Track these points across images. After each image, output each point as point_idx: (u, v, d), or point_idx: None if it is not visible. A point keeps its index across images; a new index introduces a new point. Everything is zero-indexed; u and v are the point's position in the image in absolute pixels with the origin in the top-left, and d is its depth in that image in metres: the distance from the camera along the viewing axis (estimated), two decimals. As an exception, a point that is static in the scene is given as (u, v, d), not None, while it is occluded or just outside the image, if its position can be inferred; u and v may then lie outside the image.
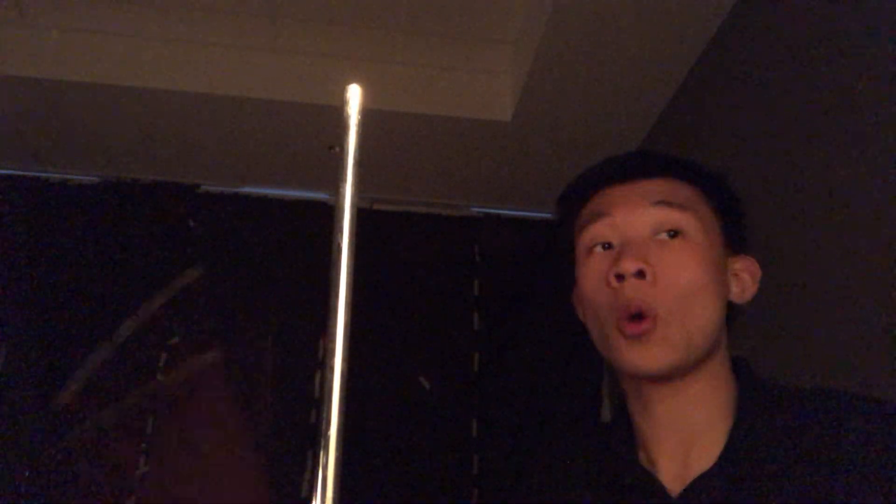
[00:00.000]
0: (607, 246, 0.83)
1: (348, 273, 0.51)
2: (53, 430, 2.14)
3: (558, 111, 2.07)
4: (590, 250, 0.84)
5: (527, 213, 2.56)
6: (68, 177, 2.41)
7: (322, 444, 0.48)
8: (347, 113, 0.54)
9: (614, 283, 0.79)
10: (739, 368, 0.83)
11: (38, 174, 2.40)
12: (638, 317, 0.77)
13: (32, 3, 2.00)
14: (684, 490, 0.76)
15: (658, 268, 0.78)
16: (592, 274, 0.83)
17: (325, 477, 0.48)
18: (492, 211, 2.57)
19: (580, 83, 1.97)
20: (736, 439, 0.77)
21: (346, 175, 0.53)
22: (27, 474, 2.09)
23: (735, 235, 0.85)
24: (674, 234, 0.80)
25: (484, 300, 2.45)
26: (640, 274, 0.78)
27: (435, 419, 2.30)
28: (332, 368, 0.49)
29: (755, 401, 0.79)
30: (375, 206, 2.46)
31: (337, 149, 0.54)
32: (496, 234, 2.54)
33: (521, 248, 2.50)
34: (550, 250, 2.48)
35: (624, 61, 1.90)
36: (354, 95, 0.55)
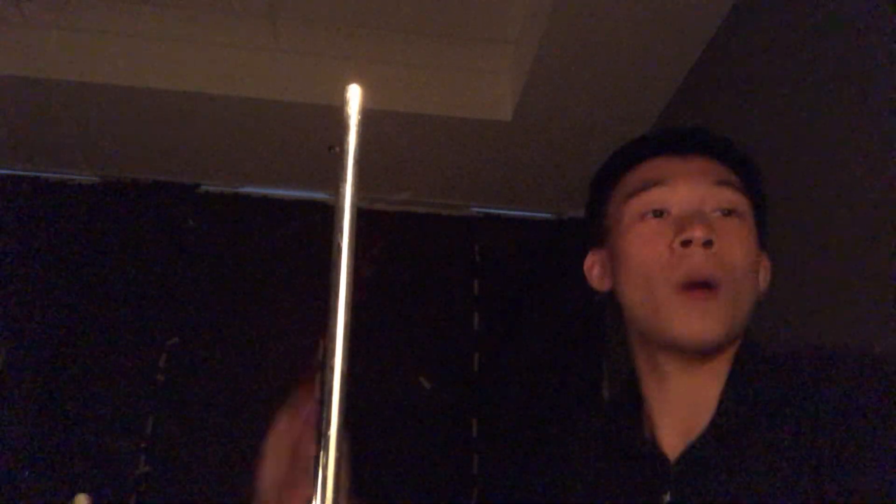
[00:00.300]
0: (660, 213, 0.83)
1: (348, 273, 0.51)
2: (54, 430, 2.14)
3: (558, 111, 2.07)
4: (642, 216, 0.84)
5: (527, 213, 2.56)
6: (68, 177, 2.41)
7: (322, 444, 0.48)
8: (347, 113, 0.54)
9: (679, 249, 0.79)
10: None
11: (38, 174, 2.39)
12: (703, 285, 0.78)
13: (32, 3, 2.00)
14: (679, 456, 0.78)
15: (722, 241, 0.79)
16: (647, 238, 0.83)
17: (325, 477, 0.48)
18: (492, 211, 2.57)
19: (580, 83, 1.97)
20: (726, 402, 0.78)
21: (346, 175, 0.53)
22: (27, 474, 2.09)
23: (762, 232, 0.87)
24: (728, 212, 0.82)
25: (484, 300, 2.45)
26: (709, 244, 0.79)
27: (435, 419, 2.30)
28: (332, 368, 0.49)
29: (746, 364, 0.81)
30: (375, 206, 2.46)
31: (337, 149, 0.54)
32: (496, 234, 2.54)
33: (521, 248, 2.50)
34: (550, 250, 2.48)
35: (624, 61, 1.90)
36: (354, 95, 0.55)
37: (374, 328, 2.31)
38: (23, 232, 2.31)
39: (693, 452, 0.78)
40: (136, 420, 2.18)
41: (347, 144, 0.54)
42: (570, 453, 0.91)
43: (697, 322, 0.78)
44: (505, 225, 2.56)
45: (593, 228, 0.91)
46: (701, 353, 0.80)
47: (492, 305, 2.44)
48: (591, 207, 0.92)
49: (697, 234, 0.78)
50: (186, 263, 2.35)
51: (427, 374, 2.34)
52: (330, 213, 0.53)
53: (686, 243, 0.79)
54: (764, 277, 0.86)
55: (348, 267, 0.51)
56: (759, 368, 0.80)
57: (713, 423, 0.78)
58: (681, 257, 0.79)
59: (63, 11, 2.02)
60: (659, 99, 2.04)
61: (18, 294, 2.24)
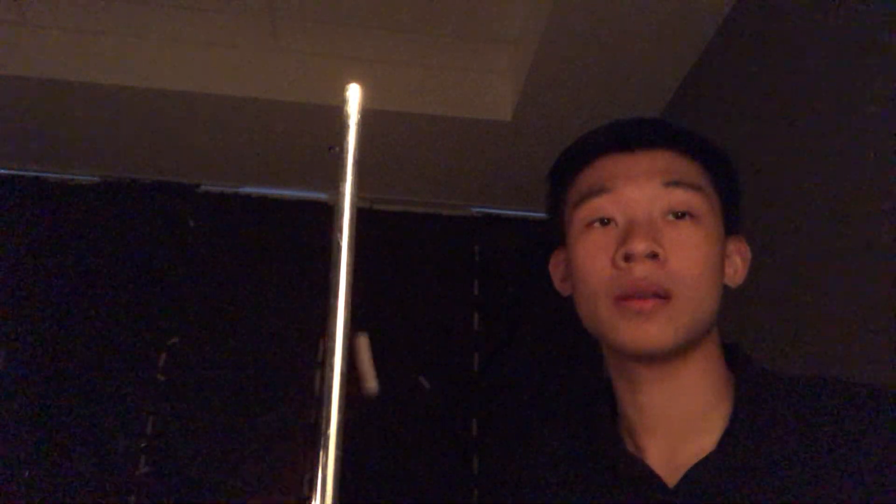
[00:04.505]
0: (606, 221, 0.78)
1: (348, 273, 0.51)
2: (55, 430, 2.14)
3: (558, 111, 2.07)
4: (588, 225, 0.79)
5: (527, 213, 2.56)
6: (68, 177, 2.41)
7: (322, 443, 0.48)
8: (347, 113, 0.54)
9: (622, 263, 0.74)
10: (735, 355, 0.81)
11: (38, 174, 2.40)
12: (649, 296, 0.73)
13: (32, 3, 2.00)
14: (681, 480, 0.73)
15: (668, 250, 0.74)
16: (591, 250, 0.78)
17: (324, 477, 0.48)
18: (492, 211, 2.57)
19: (580, 83, 1.97)
20: (735, 427, 0.74)
21: (346, 175, 0.53)
22: (27, 474, 2.09)
23: (732, 216, 0.82)
24: (682, 214, 0.76)
25: (484, 300, 2.45)
26: (652, 256, 0.74)
27: (435, 419, 2.30)
28: (332, 368, 0.49)
29: (754, 388, 0.76)
30: (375, 206, 2.46)
31: (337, 149, 0.54)
32: (496, 234, 2.54)
33: (521, 248, 2.50)
34: (550, 250, 2.47)
35: (624, 61, 1.90)
36: (354, 95, 0.55)
37: (374, 328, 2.31)
38: (23, 232, 2.31)
39: (697, 478, 0.73)
40: (136, 420, 2.18)
41: (347, 144, 0.54)
42: (552, 472, 0.86)
43: (640, 330, 0.73)
44: (505, 225, 2.56)
45: (554, 227, 0.86)
46: (657, 362, 0.76)
47: (492, 305, 2.44)
48: (549, 206, 0.87)
49: (639, 247, 0.73)
50: (186, 263, 2.35)
51: (427, 374, 2.34)
52: (330, 213, 0.53)
53: (628, 257, 0.74)
54: (738, 266, 0.82)
55: (348, 267, 0.51)
56: (766, 392, 0.76)
57: (720, 448, 0.73)
58: (623, 272, 0.74)
59: (63, 11, 2.02)
60: (659, 99, 2.04)
61: (19, 294, 2.24)
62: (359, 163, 0.54)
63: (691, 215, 0.77)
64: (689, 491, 0.72)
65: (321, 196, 2.45)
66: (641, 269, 0.74)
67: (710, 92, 1.87)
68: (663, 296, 0.73)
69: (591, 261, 0.77)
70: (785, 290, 1.44)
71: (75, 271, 2.29)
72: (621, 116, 0.87)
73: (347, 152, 0.54)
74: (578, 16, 1.75)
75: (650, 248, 0.74)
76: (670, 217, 0.76)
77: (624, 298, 0.74)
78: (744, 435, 0.73)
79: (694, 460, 0.74)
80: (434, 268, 2.47)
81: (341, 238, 0.51)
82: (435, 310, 2.42)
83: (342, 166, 0.53)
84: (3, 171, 2.38)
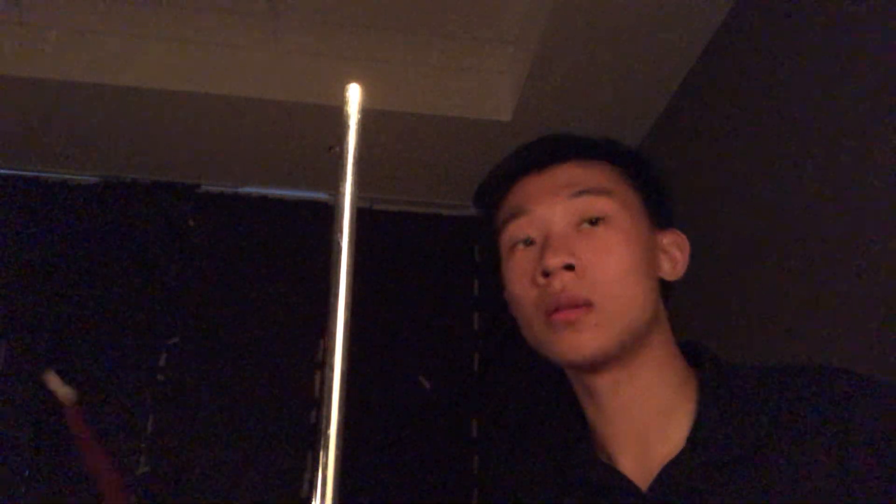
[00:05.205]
0: (529, 242, 0.80)
1: (348, 273, 0.51)
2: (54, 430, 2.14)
3: (558, 111, 2.07)
4: (512, 248, 0.82)
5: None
6: (68, 177, 2.41)
7: (322, 443, 0.48)
8: (347, 113, 0.54)
9: (541, 280, 0.77)
10: (697, 352, 0.81)
11: (38, 174, 2.40)
12: (569, 308, 0.75)
13: (32, 3, 2.00)
14: (654, 482, 0.73)
15: (585, 258, 0.76)
16: (517, 272, 0.81)
17: (325, 477, 0.48)
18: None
19: (580, 83, 1.97)
20: (702, 423, 0.74)
21: (346, 175, 0.53)
22: (27, 474, 2.09)
23: (658, 210, 0.83)
24: (596, 221, 0.78)
25: (484, 300, 2.45)
26: (568, 267, 0.76)
27: (435, 419, 2.30)
28: (332, 368, 0.49)
29: (718, 383, 0.77)
30: (375, 206, 2.46)
31: (337, 149, 0.54)
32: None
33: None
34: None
35: (624, 61, 1.90)
36: (354, 95, 0.54)
37: (374, 328, 2.31)
38: (23, 232, 2.31)
39: (669, 479, 0.73)
40: (136, 420, 2.18)
41: (347, 144, 0.54)
42: (532, 484, 0.87)
43: (569, 341, 0.75)
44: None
45: (496, 260, 0.87)
46: (602, 369, 0.77)
47: (492, 305, 2.44)
48: (485, 239, 0.89)
49: (552, 262, 0.76)
50: (186, 263, 2.35)
51: (427, 374, 2.34)
52: (330, 213, 0.53)
53: (546, 273, 0.76)
54: (676, 257, 0.82)
55: (348, 267, 0.51)
56: (730, 386, 0.76)
57: (689, 446, 0.73)
58: (545, 288, 0.76)
59: (63, 11, 2.02)
60: (659, 98, 2.04)
61: (18, 294, 2.24)
62: (359, 163, 0.54)
63: (604, 220, 0.79)
64: (663, 492, 0.73)
65: (321, 196, 2.45)
66: (559, 282, 0.76)
67: (711, 92, 1.87)
68: (582, 304, 0.75)
69: (517, 284, 0.80)
70: (771, 293, 1.44)
71: (75, 271, 2.30)
72: (621, 116, 0.89)
73: (347, 152, 0.53)
74: (578, 16, 1.75)
75: (563, 261, 0.76)
76: (585, 226, 0.79)
77: (550, 313, 0.76)
78: (712, 430, 0.74)
79: (665, 461, 0.74)
80: (434, 268, 2.47)
81: (341, 238, 0.51)
82: (435, 310, 2.42)
83: (342, 166, 0.53)
84: (3, 171, 2.38)
